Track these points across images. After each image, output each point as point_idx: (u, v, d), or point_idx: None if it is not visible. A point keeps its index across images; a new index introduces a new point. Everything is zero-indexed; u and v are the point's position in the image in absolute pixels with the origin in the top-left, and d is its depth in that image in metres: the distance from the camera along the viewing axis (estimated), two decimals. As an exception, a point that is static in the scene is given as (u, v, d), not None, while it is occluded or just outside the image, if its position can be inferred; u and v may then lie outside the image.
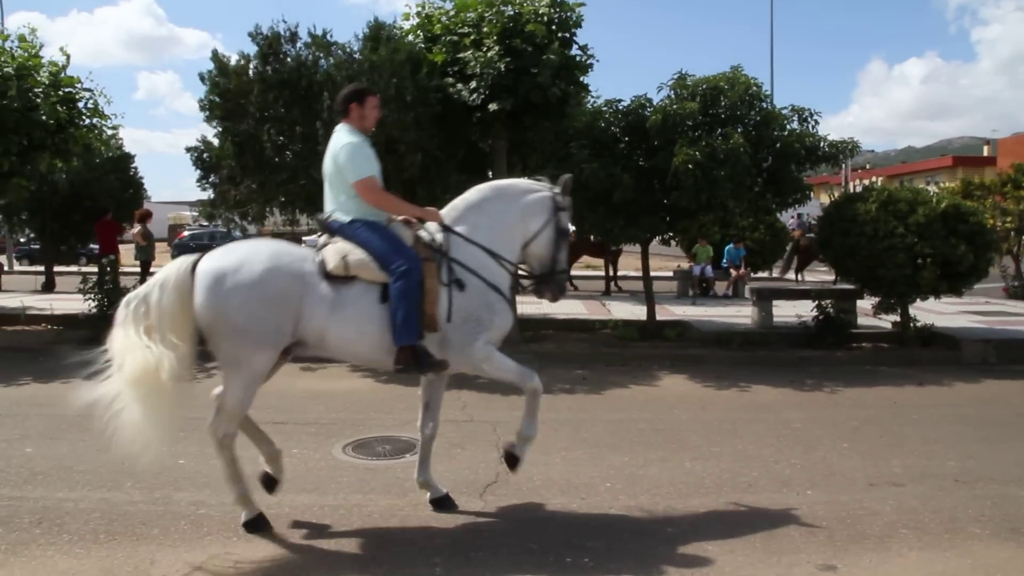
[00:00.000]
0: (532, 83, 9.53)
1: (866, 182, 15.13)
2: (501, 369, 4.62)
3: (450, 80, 10.08)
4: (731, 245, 17.26)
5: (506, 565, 4.02)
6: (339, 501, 4.91)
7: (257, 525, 4.39)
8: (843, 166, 48.67)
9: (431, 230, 4.67)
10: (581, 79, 10.55)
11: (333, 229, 4.58)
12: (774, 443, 6.31)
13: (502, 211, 4.77)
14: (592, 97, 11.20)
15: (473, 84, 9.80)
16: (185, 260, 4.38)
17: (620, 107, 10.53)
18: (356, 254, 4.39)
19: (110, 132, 13.96)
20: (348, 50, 10.06)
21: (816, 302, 10.81)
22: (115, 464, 4.90)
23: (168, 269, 4.36)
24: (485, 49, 9.74)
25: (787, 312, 11.70)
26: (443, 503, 4.82)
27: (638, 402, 7.82)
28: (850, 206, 10.08)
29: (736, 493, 5.12)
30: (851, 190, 30.06)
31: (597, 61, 10.68)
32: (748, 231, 18.12)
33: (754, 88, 10.26)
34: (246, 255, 4.32)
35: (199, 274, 4.26)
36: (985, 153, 67.15)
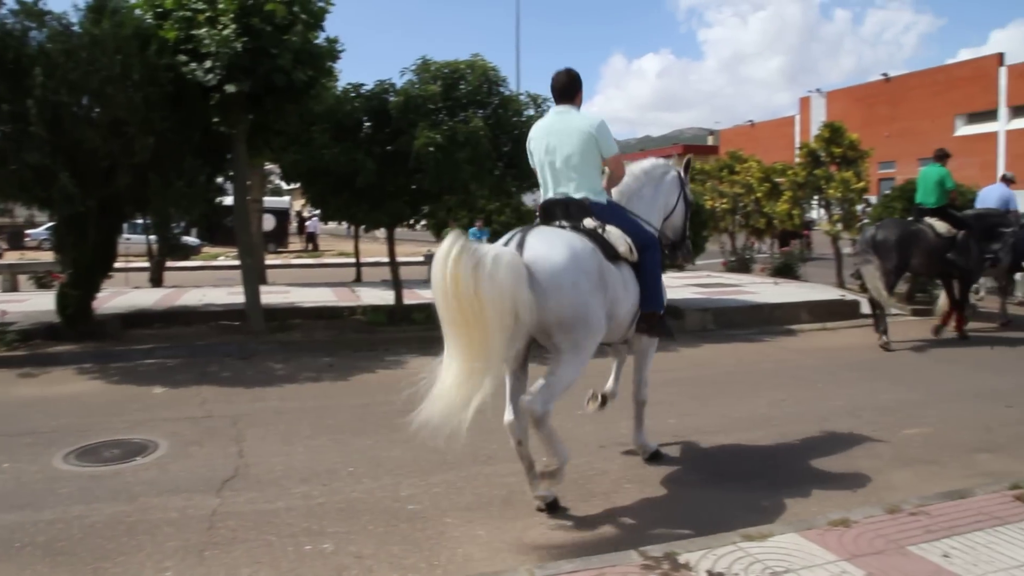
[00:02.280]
0: (272, 65, 9.13)
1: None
2: None
3: (183, 59, 9.39)
4: (475, 227, 17.71)
5: (242, 561, 3.91)
6: (57, 515, 4.50)
7: None
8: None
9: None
10: (329, 65, 10.29)
11: (595, 212, 4.64)
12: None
13: (652, 192, 5.27)
14: (341, 84, 11.04)
15: (208, 64, 9.16)
16: None
17: (364, 91, 10.46)
18: (628, 239, 4.61)
19: None
20: (65, 22, 9.11)
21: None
22: None
23: None
24: (220, 27, 9.17)
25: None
26: (656, 456, 5.44)
27: (384, 385, 7.84)
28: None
29: (477, 465, 5.31)
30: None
31: (345, 49, 10.43)
32: (495, 215, 18.68)
33: (492, 73, 10.56)
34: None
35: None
36: (710, 142, 74.23)
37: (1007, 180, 12.73)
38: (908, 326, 11.94)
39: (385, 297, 12.44)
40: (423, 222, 12.37)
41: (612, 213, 4.75)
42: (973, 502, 4.38)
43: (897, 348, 9.96)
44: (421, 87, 9.89)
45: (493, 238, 18.14)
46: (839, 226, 15.04)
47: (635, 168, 5.34)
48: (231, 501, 4.71)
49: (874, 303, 10.22)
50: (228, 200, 11.63)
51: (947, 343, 10.47)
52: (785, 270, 16.79)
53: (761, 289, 14.17)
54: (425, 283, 16.35)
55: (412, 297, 12.71)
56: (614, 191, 5.06)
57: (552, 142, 4.75)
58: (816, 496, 4.81)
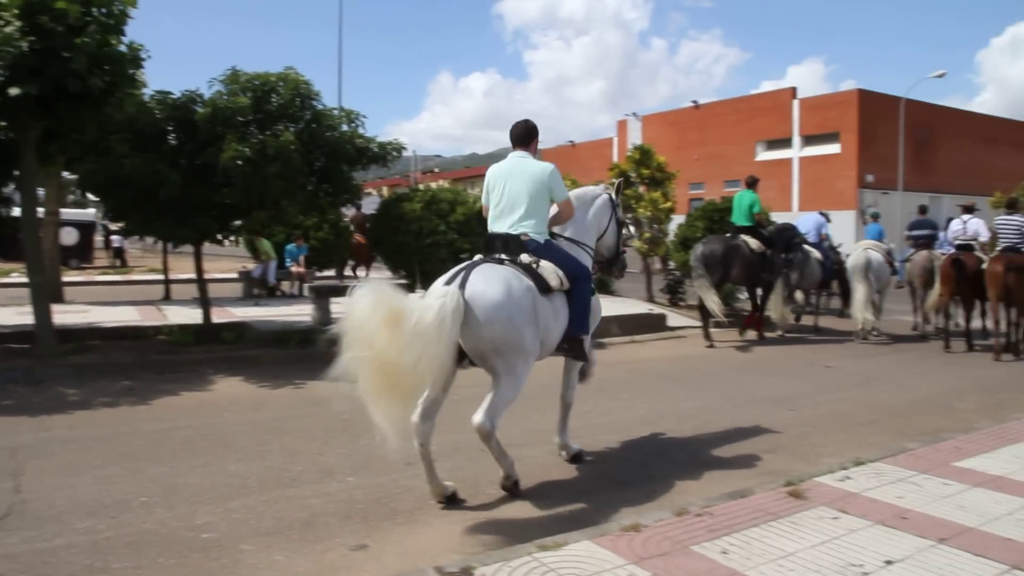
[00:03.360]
0: (65, 69, 8.50)
1: (433, 184, 16.33)
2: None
3: (-42, 57, 8.58)
4: (292, 244, 17.31)
5: (10, 606, 3.62)
6: None
7: None
8: (413, 169, 51.53)
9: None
10: (132, 72, 9.67)
11: (531, 248, 5.16)
12: (322, 436, 6.51)
13: (583, 215, 5.83)
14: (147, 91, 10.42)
15: (-11, 63, 8.46)
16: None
17: (169, 100, 9.98)
18: (561, 272, 5.17)
19: None
20: None
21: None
22: None
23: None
24: (2, 23, 8.46)
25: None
26: (577, 457, 5.92)
27: (187, 408, 7.51)
28: (398, 206, 10.75)
29: (279, 489, 5.19)
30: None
31: (150, 56, 9.80)
32: (313, 231, 18.34)
33: (304, 86, 10.37)
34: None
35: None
36: (532, 160, 75.93)
37: (824, 214, 15.17)
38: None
39: (193, 315, 11.90)
40: (232, 238, 11.93)
41: (548, 249, 5.27)
42: (752, 500, 4.75)
43: (698, 358, 10.63)
44: (230, 98, 9.57)
45: (312, 254, 17.89)
46: (647, 244, 15.86)
47: (571, 194, 5.81)
48: (2, 543, 4.33)
49: (705, 312, 11.18)
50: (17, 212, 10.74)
51: (744, 353, 11.29)
52: (600, 285, 17.46)
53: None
54: (238, 300, 15.98)
55: (222, 315, 12.25)
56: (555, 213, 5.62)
57: (509, 183, 5.28)
58: (614, 503, 5.04)
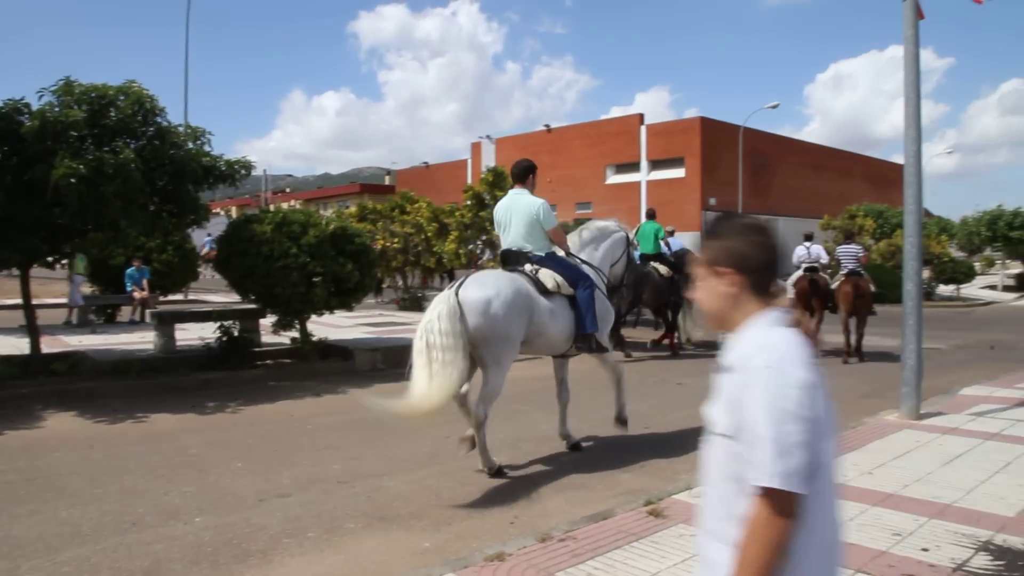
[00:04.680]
0: None
1: (285, 205, 15.84)
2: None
3: None
4: (132, 267, 16.27)
5: None
6: None
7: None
8: (264, 189, 49.97)
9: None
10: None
11: (535, 260, 6.52)
12: (167, 473, 6.09)
13: (597, 244, 7.22)
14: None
15: None
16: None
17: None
18: (558, 277, 6.44)
19: None
20: None
21: (219, 323, 10.81)
22: None
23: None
24: None
25: (195, 335, 11.50)
26: (577, 446, 7.06)
27: (11, 450, 6.83)
28: (248, 227, 10.29)
29: (118, 535, 4.78)
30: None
31: None
32: (156, 252, 17.37)
33: (148, 101, 9.77)
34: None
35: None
36: (387, 182, 75.45)
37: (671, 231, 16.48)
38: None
39: (20, 345, 10.98)
40: (64, 261, 11.10)
41: (549, 260, 6.57)
42: (614, 522, 4.78)
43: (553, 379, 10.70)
44: (62, 111, 8.89)
45: (155, 276, 16.94)
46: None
47: (593, 224, 7.43)
48: None
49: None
50: None
51: (600, 373, 11.46)
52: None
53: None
54: (73, 328, 14.90)
55: (54, 344, 11.38)
56: (573, 241, 7.10)
57: (511, 214, 6.65)
58: (477, 532, 4.95)
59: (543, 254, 6.57)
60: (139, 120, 9.58)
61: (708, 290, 1.96)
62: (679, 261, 13.65)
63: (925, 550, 4.32)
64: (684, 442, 7.37)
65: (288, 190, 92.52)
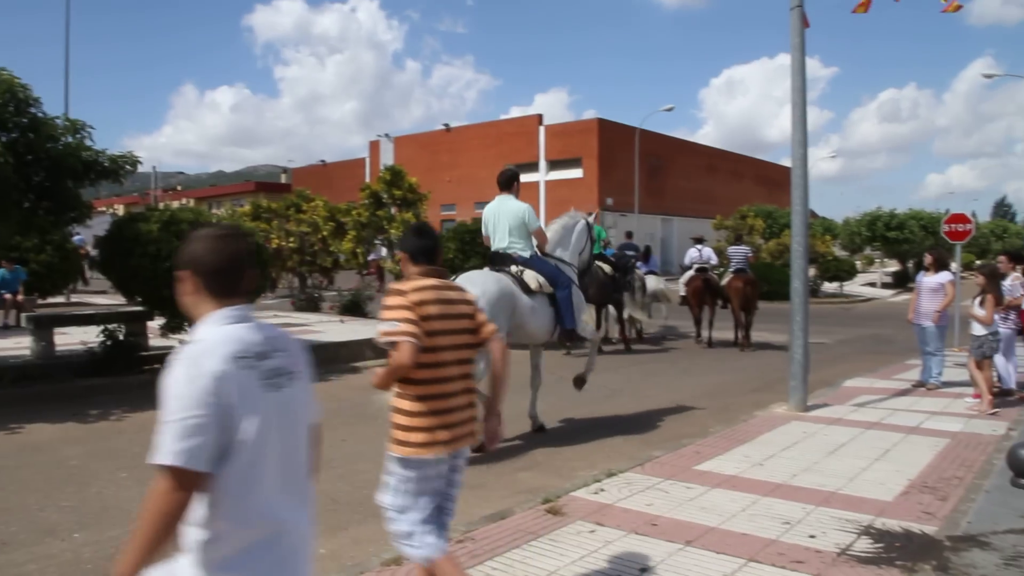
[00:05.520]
0: None
1: (175, 203, 15.09)
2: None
3: None
4: (2, 269, 15.19)
5: None
6: None
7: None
8: (153, 186, 47.99)
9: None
10: None
11: (519, 261, 7.16)
12: (43, 487, 5.74)
13: (568, 236, 7.89)
14: None
15: None
16: None
17: None
18: (540, 278, 7.11)
19: None
20: None
21: (103, 326, 10.27)
22: None
23: None
24: None
25: (77, 339, 10.91)
26: (542, 428, 7.75)
27: None
28: (133, 226, 9.81)
29: (-14, 556, 4.48)
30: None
31: None
32: (33, 252, 16.42)
33: (21, 91, 9.16)
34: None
35: None
36: (283, 180, 73.67)
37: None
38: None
39: None
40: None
41: (532, 262, 7.23)
42: (512, 521, 4.76)
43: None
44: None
45: (33, 278, 15.98)
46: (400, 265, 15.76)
47: (557, 223, 7.95)
48: None
49: None
50: None
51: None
52: (353, 307, 17.10)
53: (328, 328, 14.28)
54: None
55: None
56: (551, 237, 7.68)
57: (498, 218, 7.31)
58: (374, 536, 4.80)
59: (528, 255, 7.25)
60: (10, 111, 9.01)
61: (179, 291, 2.20)
62: (620, 261, 14.22)
63: (812, 537, 4.47)
64: (581, 440, 7.45)
65: (179, 188, 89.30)
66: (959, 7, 8.65)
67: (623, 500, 5.14)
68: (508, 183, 7.47)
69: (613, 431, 7.81)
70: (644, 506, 5.02)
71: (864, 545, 4.35)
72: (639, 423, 8.16)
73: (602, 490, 5.36)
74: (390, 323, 3.09)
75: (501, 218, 7.31)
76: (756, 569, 4.01)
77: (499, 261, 7.28)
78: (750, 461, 6.16)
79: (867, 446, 6.67)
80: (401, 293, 3.16)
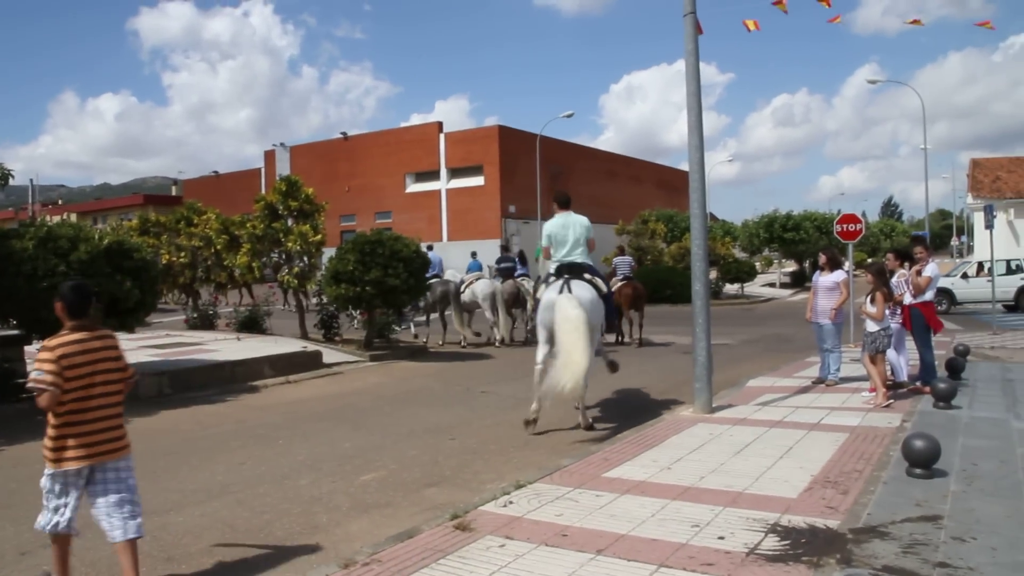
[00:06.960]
0: None
1: (56, 218, 14.20)
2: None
3: None
4: None
5: None
6: None
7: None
8: (31, 200, 45.52)
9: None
10: None
11: (584, 268, 8.20)
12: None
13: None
14: None
15: None
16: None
17: None
18: (599, 282, 8.33)
19: None
20: None
21: (-25, 353, 9.57)
22: None
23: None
24: None
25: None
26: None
27: None
28: (5, 244, 9.16)
29: None
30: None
31: None
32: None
33: None
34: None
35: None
36: (174, 192, 71.18)
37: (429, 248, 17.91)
38: (367, 371, 12.60)
39: None
40: None
41: (595, 268, 8.37)
42: (420, 539, 4.58)
43: (356, 394, 10.38)
44: None
45: None
46: (296, 279, 15.22)
47: (576, 223, 8.56)
48: None
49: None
50: None
51: (403, 384, 11.25)
52: (251, 324, 16.48)
53: (223, 346, 13.69)
54: None
55: None
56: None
57: (569, 231, 8.23)
58: (275, 562, 4.61)
59: (591, 264, 8.35)
60: None
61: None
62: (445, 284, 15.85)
63: (721, 538, 4.45)
64: (489, 451, 7.31)
65: (60, 202, 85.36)
66: (839, 18, 9.06)
67: (532, 512, 5.02)
68: (568, 202, 8.52)
69: (519, 441, 7.71)
70: (554, 517, 4.91)
71: (771, 543, 4.35)
72: (547, 432, 8.07)
73: (511, 503, 5.23)
74: (38, 372, 3.74)
75: (571, 232, 8.20)
76: (667, 574, 3.95)
77: (575, 270, 8.09)
78: (658, 465, 6.14)
79: (771, 445, 6.75)
80: (49, 350, 3.79)
